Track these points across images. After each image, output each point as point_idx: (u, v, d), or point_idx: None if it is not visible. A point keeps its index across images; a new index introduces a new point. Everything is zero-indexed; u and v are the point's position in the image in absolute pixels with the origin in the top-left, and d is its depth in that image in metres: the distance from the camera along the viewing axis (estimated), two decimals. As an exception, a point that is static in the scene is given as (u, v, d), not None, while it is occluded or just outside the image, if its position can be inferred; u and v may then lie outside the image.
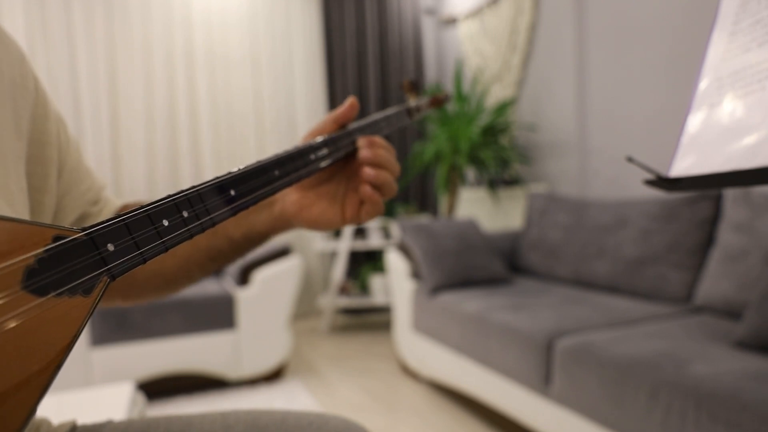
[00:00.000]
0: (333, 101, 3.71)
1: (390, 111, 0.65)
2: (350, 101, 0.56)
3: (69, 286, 0.28)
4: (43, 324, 0.26)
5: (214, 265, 0.61)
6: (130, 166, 3.17)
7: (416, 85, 0.72)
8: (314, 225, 0.57)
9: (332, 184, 0.57)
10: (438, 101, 0.75)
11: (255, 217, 0.58)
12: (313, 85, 3.62)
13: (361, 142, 0.55)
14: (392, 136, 3.87)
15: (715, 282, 1.71)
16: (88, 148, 3.05)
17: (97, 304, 0.29)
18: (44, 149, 0.50)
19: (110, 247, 0.30)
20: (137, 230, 0.33)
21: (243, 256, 0.61)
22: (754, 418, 1.03)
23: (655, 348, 1.36)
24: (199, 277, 0.62)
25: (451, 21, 3.77)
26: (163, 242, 0.34)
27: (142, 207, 0.34)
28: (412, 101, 0.70)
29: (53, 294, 0.27)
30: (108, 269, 0.30)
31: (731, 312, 1.63)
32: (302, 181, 0.54)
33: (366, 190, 0.53)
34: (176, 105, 3.27)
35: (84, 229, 0.30)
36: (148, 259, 0.33)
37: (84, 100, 3.03)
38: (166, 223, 0.35)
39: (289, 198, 0.57)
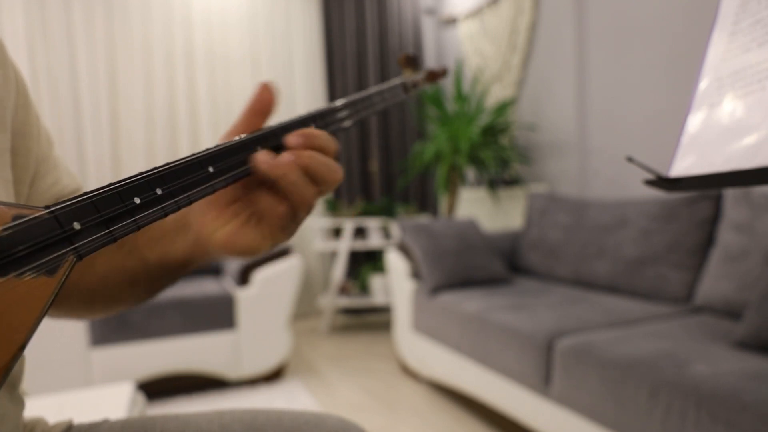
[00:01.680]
0: (333, 101, 3.71)
1: (384, 85, 0.60)
2: (262, 83, 0.46)
3: (30, 266, 0.27)
4: (5, 304, 0.25)
5: (136, 289, 0.52)
6: (130, 166, 3.16)
7: (413, 59, 0.68)
8: (230, 249, 0.45)
9: (249, 199, 0.45)
10: (435, 75, 0.72)
11: (170, 241, 0.49)
12: (313, 85, 3.62)
13: (290, 137, 0.43)
14: (393, 136, 3.87)
15: (715, 282, 1.71)
16: (88, 148, 3.05)
17: (62, 284, 0.28)
18: (25, 140, 0.49)
19: (76, 225, 0.29)
20: (106, 208, 0.31)
21: (165, 283, 0.52)
22: (754, 418, 1.03)
23: (655, 348, 1.36)
24: (127, 299, 0.54)
25: (451, 21, 3.77)
26: (134, 221, 0.33)
27: (112, 183, 0.32)
28: (409, 76, 0.66)
29: (14, 274, 0.26)
30: (74, 248, 0.29)
31: (731, 312, 1.63)
32: (220, 197, 0.45)
33: (265, 198, 0.42)
34: (176, 105, 3.27)
35: (47, 207, 0.29)
36: (119, 237, 0.32)
37: (84, 100, 3.03)
38: (137, 200, 0.33)
39: (204, 218, 0.46)
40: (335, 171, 0.43)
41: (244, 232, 0.44)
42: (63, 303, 0.54)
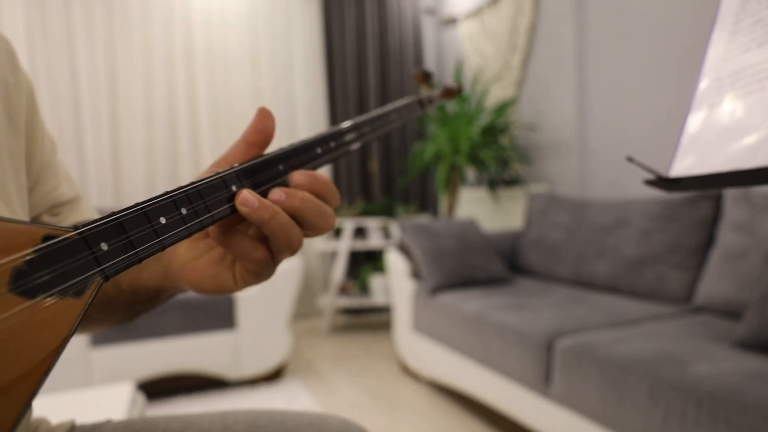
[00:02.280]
0: (333, 101, 3.72)
1: (401, 102, 0.60)
2: (259, 110, 0.42)
3: (59, 287, 0.27)
4: (32, 327, 0.25)
5: (114, 312, 0.51)
6: (130, 166, 3.17)
7: (428, 75, 0.69)
8: (198, 287, 0.42)
9: (225, 237, 0.41)
10: (451, 92, 0.73)
11: (140, 268, 0.47)
12: (313, 85, 3.62)
13: (294, 176, 0.41)
14: (393, 136, 3.87)
15: (715, 282, 1.71)
16: (88, 148, 3.05)
17: (89, 305, 0.28)
18: (31, 145, 0.49)
19: (104, 246, 0.29)
20: (132, 229, 0.31)
21: (137, 310, 0.51)
22: (754, 418, 1.03)
23: (655, 348, 1.36)
24: (107, 321, 0.53)
25: (451, 21, 3.77)
26: (160, 241, 0.33)
27: (138, 204, 0.32)
28: (424, 92, 0.67)
29: (42, 296, 0.26)
30: (101, 270, 0.29)
31: (731, 312, 1.63)
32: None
33: (239, 242, 0.39)
34: (176, 105, 3.27)
35: (76, 228, 0.29)
36: (144, 258, 0.32)
37: (84, 100, 3.03)
38: (163, 221, 0.33)
39: (176, 250, 0.44)
40: (327, 217, 0.40)
41: (216, 271, 0.41)
42: None
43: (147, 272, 0.47)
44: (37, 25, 2.90)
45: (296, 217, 0.39)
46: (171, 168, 3.26)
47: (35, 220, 0.51)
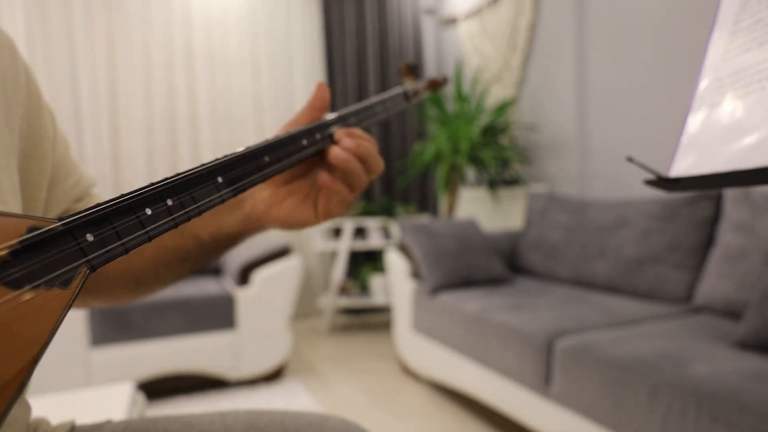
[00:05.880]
0: (333, 101, 3.71)
1: (387, 94, 0.62)
2: (318, 83, 0.54)
3: (45, 278, 0.27)
4: (18, 318, 0.25)
5: (184, 266, 0.57)
6: (130, 166, 3.17)
7: (414, 68, 0.70)
8: (286, 224, 0.53)
9: (306, 181, 0.54)
10: (436, 84, 0.73)
11: (224, 217, 0.54)
12: (313, 85, 3.62)
13: (339, 134, 0.52)
14: (393, 136, 3.87)
15: (715, 282, 1.71)
16: (88, 148, 3.05)
17: (75, 296, 0.28)
18: (40, 143, 0.49)
19: (89, 237, 0.29)
20: (118, 219, 0.31)
21: (213, 258, 0.58)
22: (754, 418, 1.03)
23: (655, 348, 1.36)
24: (171, 278, 0.58)
25: (451, 21, 3.77)
26: (146, 232, 0.33)
27: (124, 195, 0.32)
28: (410, 84, 0.68)
29: (28, 287, 0.26)
30: (87, 260, 0.29)
31: (731, 312, 1.63)
32: (275, 177, 0.53)
33: (324, 177, 0.51)
34: (176, 105, 3.27)
35: (61, 219, 0.29)
36: (131, 249, 0.32)
37: (84, 100, 3.03)
38: (149, 211, 0.33)
39: (259, 196, 0.54)
40: (380, 163, 0.53)
41: (300, 211, 0.53)
42: (107, 293, 0.57)
43: (228, 221, 0.54)
44: (37, 25, 2.90)
45: (361, 162, 0.52)
46: (171, 168, 3.26)
47: (64, 213, 0.53)
